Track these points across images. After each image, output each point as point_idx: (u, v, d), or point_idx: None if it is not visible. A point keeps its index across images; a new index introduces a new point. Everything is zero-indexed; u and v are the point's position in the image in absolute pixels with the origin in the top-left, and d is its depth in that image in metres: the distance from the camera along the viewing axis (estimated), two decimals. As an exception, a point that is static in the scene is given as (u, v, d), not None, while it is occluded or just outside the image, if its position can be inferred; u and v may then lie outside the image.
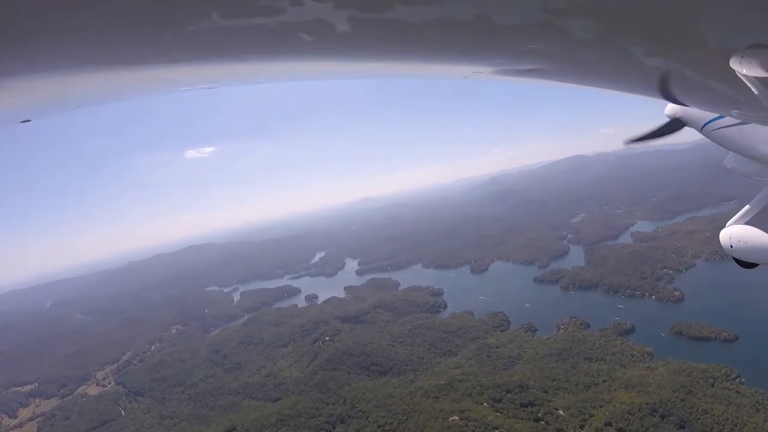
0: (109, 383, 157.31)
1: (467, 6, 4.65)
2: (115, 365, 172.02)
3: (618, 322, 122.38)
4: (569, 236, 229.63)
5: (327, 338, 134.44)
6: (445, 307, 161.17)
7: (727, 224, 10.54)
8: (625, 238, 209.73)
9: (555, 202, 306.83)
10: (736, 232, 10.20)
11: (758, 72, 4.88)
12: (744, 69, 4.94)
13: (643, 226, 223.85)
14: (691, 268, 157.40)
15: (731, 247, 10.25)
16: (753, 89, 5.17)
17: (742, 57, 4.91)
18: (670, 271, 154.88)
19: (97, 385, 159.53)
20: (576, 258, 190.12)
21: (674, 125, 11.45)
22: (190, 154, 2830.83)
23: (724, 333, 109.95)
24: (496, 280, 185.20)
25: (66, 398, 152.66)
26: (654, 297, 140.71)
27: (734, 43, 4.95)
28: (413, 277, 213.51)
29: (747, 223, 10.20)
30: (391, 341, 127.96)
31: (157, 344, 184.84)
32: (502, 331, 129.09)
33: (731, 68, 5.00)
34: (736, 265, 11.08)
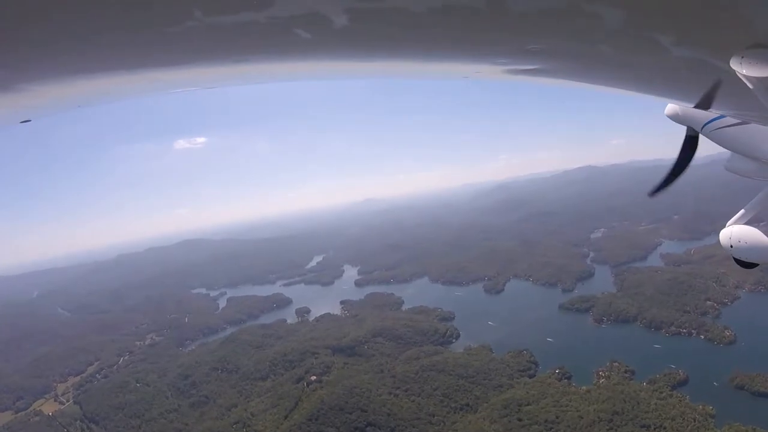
0: (68, 400, 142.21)
1: (468, 6, 4.72)
2: (79, 378, 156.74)
3: (670, 371, 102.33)
4: (592, 255, 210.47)
5: (313, 378, 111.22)
6: (458, 337, 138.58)
7: (727, 224, 10.12)
8: (654, 260, 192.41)
9: (570, 215, 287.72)
10: (736, 232, 9.84)
11: (758, 72, 5.01)
12: (744, 69, 5.09)
13: (671, 247, 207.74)
14: (736, 301, 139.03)
15: (731, 247, 9.86)
16: (753, 89, 5.34)
17: (742, 57, 5.05)
18: (715, 304, 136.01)
19: (55, 400, 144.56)
20: (604, 282, 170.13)
21: (691, 145, 10.62)
22: (180, 144, 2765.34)
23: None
24: (516, 305, 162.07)
25: (20, 413, 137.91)
26: (703, 336, 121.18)
27: (734, 43, 5.00)
28: (419, 293, 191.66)
29: (747, 223, 9.91)
30: (393, 387, 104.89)
31: (127, 356, 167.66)
32: (529, 376, 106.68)
33: (731, 68, 5.12)
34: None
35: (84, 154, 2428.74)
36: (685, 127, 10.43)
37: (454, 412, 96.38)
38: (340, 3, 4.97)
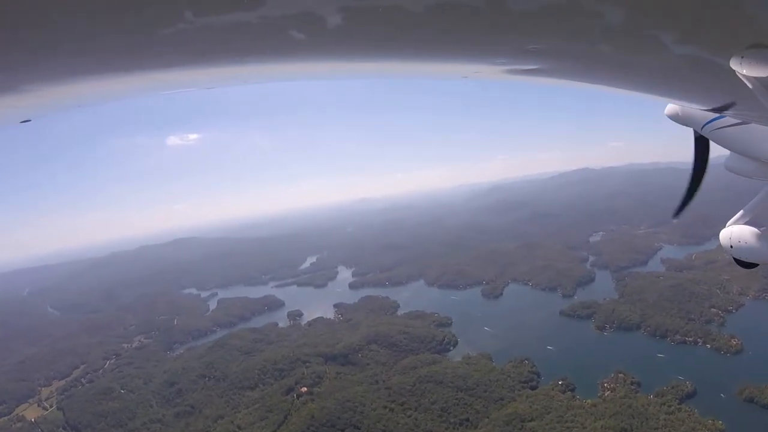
0: (51, 405, 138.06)
1: (468, 5, 4.81)
2: (64, 382, 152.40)
3: (677, 383, 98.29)
4: (591, 258, 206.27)
5: (304, 389, 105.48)
6: (455, 344, 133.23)
7: (727, 224, 10.07)
8: (655, 264, 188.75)
9: (568, 217, 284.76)
10: (736, 232, 9.83)
11: (758, 72, 5.03)
12: (744, 69, 5.08)
13: (672, 252, 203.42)
14: (741, 308, 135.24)
15: (731, 247, 9.86)
16: (753, 89, 5.32)
17: (742, 57, 5.04)
18: (720, 312, 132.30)
19: (38, 405, 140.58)
20: (605, 287, 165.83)
21: (703, 148, 10.81)
22: (173, 141, 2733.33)
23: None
24: (515, 310, 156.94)
25: (2, 419, 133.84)
26: (709, 345, 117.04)
27: (734, 43, 5.05)
28: (414, 297, 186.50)
29: (747, 223, 9.87)
30: (388, 401, 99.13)
31: (113, 360, 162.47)
32: (532, 388, 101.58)
33: (731, 68, 5.14)
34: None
35: (77, 151, 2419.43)
36: (686, 129, 10.45)
37: (454, 428, 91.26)
38: (338, 3, 4.81)
